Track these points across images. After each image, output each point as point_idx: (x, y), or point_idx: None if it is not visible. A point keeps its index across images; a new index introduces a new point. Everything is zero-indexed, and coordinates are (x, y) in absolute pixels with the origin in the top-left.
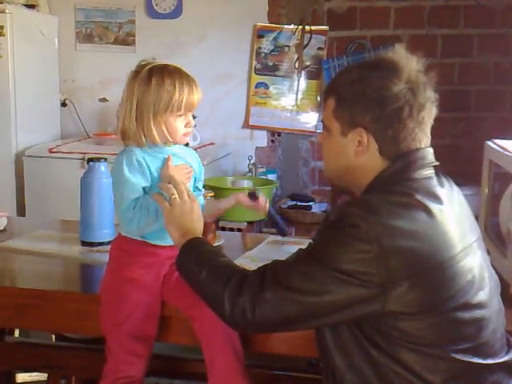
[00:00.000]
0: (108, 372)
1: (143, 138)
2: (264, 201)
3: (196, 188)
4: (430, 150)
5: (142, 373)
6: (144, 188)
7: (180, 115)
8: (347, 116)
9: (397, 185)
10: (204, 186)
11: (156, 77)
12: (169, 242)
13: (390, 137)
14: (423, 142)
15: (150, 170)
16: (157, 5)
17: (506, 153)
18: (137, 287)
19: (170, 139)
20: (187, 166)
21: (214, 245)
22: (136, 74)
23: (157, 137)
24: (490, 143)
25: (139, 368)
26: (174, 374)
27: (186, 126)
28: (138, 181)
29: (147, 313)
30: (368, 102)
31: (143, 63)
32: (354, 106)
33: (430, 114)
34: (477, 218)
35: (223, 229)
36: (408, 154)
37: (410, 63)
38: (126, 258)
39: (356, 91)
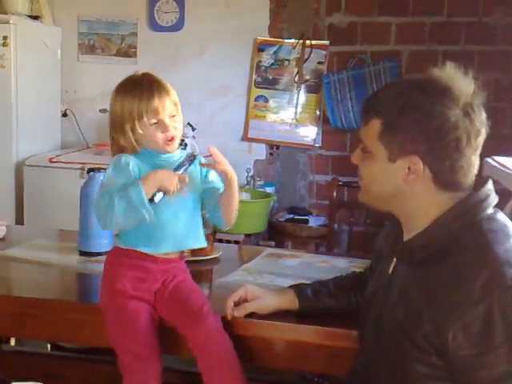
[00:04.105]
0: None
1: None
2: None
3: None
4: (490, 184)
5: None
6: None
7: (152, 123)
8: (398, 143)
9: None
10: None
11: (121, 89)
12: (161, 250)
13: (446, 167)
14: (476, 165)
15: (137, 175)
16: (159, 18)
17: (505, 170)
18: (129, 298)
19: (148, 147)
20: (177, 174)
21: (211, 257)
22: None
23: (124, 145)
24: (489, 160)
25: (156, 378)
26: None
27: (163, 132)
28: (119, 179)
29: (149, 319)
30: (423, 132)
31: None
32: (406, 134)
33: (483, 137)
34: None
35: (220, 241)
36: (477, 187)
37: (464, 84)
38: (117, 272)
39: (408, 118)
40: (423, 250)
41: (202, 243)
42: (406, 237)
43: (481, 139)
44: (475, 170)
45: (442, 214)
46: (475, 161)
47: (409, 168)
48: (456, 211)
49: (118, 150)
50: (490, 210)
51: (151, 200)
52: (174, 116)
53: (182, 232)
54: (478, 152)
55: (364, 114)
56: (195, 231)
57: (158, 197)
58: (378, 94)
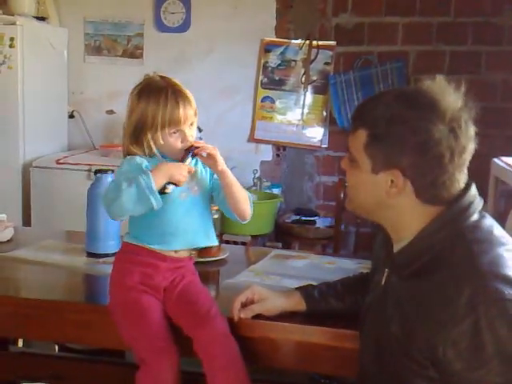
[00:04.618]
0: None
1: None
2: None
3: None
4: (474, 189)
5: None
6: None
7: (172, 132)
8: (382, 156)
9: (476, 231)
10: None
11: (144, 94)
12: (172, 247)
13: (428, 182)
14: (462, 180)
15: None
16: (165, 18)
17: None
18: (141, 292)
19: (169, 156)
20: (186, 165)
21: (218, 258)
22: (134, 89)
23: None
24: (496, 160)
25: (173, 369)
26: None
27: (182, 142)
28: (130, 174)
29: (161, 314)
30: (407, 147)
31: (144, 78)
32: (390, 148)
33: (471, 153)
34: None
35: (227, 242)
36: (460, 198)
37: (451, 99)
38: (126, 268)
39: (394, 132)
40: (410, 264)
41: (213, 241)
42: (395, 247)
43: (466, 156)
44: (460, 184)
45: (425, 225)
46: (460, 176)
47: (391, 181)
48: (439, 222)
49: (131, 152)
50: (474, 217)
51: (163, 192)
52: (191, 124)
53: (193, 230)
54: (464, 168)
55: (352, 123)
56: (206, 229)
57: (170, 188)
58: (366, 103)
